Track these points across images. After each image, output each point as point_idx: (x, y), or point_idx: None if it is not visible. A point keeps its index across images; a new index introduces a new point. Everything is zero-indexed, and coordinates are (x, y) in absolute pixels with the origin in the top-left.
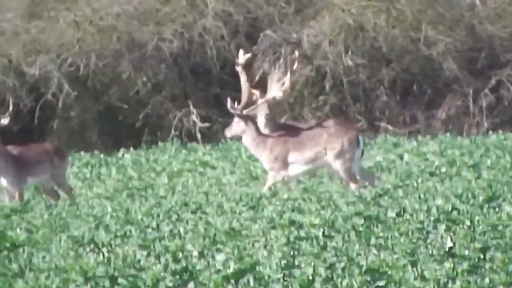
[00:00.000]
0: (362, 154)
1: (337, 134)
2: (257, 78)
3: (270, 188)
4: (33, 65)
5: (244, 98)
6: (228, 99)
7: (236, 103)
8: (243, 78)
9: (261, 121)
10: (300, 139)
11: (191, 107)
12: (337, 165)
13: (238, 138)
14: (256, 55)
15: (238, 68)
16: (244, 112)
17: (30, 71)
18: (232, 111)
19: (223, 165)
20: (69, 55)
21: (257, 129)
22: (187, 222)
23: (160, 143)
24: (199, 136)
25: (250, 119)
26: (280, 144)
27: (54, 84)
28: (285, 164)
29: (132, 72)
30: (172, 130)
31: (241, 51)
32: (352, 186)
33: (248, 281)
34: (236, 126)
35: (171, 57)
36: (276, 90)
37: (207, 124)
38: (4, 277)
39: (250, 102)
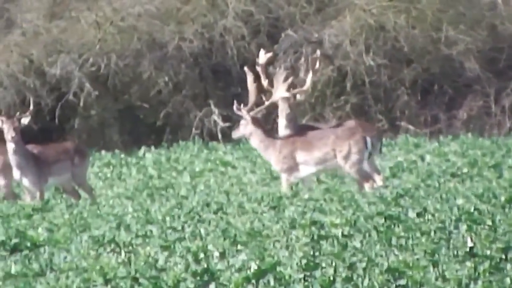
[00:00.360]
0: (370, 155)
1: (344, 137)
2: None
3: (291, 188)
4: (54, 65)
5: (251, 99)
6: (235, 101)
7: (242, 104)
8: (249, 79)
9: (282, 122)
10: (308, 139)
11: (212, 106)
12: (347, 167)
13: None
14: (277, 55)
15: (246, 69)
16: (251, 113)
17: (51, 71)
18: (238, 112)
19: (244, 165)
20: (90, 55)
21: (265, 130)
22: (208, 222)
23: (181, 142)
24: (220, 135)
25: (258, 121)
26: (288, 144)
27: (75, 84)
28: (295, 164)
29: (153, 72)
30: (193, 130)
31: (262, 51)
32: (366, 186)
33: (269, 281)
34: (243, 128)
35: (192, 57)
36: (282, 90)
37: (228, 124)
38: (25, 277)
39: (258, 104)
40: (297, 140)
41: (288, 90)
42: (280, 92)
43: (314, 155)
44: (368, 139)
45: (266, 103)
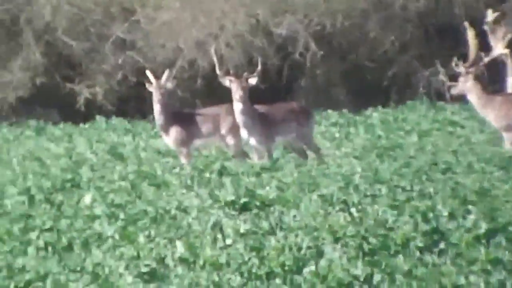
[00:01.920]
0: None
1: None
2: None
3: None
4: (280, 25)
5: (471, 56)
6: (454, 58)
7: (462, 61)
8: (470, 35)
9: (510, 80)
10: None
11: (438, 66)
12: None
13: None
14: (506, 14)
15: (465, 24)
16: (470, 70)
17: (277, 31)
18: (456, 69)
19: (472, 125)
20: (316, 15)
21: (484, 87)
22: (437, 182)
23: (408, 102)
24: (447, 95)
25: (477, 77)
26: (508, 102)
27: (301, 44)
28: None
29: (379, 32)
30: (420, 89)
31: (489, 10)
32: None
33: (500, 242)
34: (462, 85)
35: (418, 16)
36: (500, 48)
37: (455, 84)
38: (255, 235)
39: (477, 61)
40: None
41: (507, 47)
42: (498, 49)
43: None
44: None
45: (485, 59)
